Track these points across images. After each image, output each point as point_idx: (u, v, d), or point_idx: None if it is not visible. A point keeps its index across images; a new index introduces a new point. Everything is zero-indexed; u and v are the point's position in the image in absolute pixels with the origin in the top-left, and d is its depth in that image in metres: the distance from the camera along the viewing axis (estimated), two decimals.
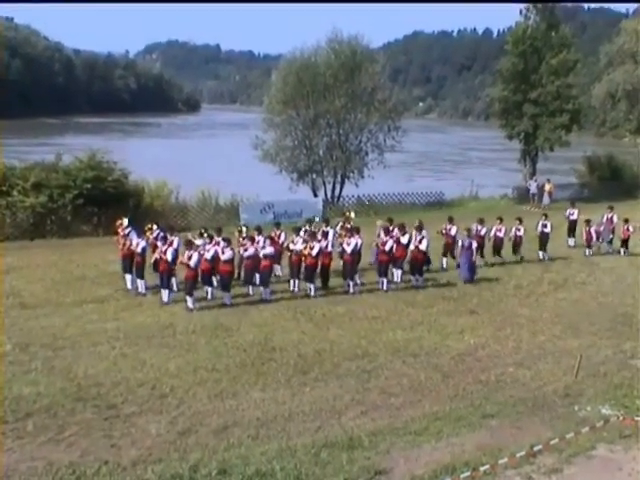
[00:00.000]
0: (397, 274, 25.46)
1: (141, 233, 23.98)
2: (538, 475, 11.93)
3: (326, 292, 24.10)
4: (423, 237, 25.23)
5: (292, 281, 24.35)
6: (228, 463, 11.96)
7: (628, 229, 31.59)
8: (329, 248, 24.33)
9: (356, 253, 24.55)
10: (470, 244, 25.81)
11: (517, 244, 29.66)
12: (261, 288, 23.16)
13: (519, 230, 29.47)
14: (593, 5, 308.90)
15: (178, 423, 13.62)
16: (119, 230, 24.40)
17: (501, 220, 29.19)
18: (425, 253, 25.67)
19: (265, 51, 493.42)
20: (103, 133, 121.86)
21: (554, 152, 56.00)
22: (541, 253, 30.49)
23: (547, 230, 30.38)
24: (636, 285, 25.81)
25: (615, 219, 32.82)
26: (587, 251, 31.88)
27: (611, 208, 33.56)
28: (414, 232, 25.36)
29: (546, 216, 30.96)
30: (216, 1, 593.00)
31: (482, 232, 28.04)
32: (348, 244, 24.31)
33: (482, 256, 28.32)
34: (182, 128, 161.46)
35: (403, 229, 25.48)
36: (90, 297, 22.56)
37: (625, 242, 32.02)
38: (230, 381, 15.82)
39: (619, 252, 32.10)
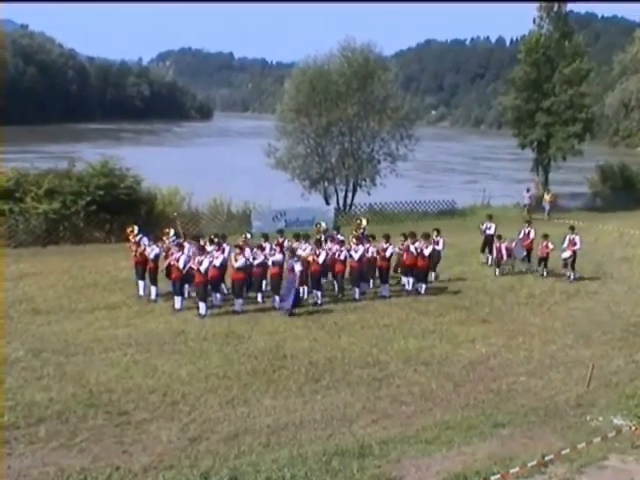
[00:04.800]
0: (408, 282, 25.52)
1: (153, 239, 24.08)
2: None
3: (337, 300, 24.13)
4: (429, 246, 25.17)
5: (301, 288, 24.40)
6: (239, 470, 11.98)
7: (547, 246, 28.19)
8: (342, 256, 24.39)
9: (364, 261, 24.60)
10: (293, 267, 22.59)
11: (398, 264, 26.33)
12: (276, 297, 23.19)
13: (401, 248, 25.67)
14: (606, 14, 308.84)
15: (189, 430, 13.65)
16: (130, 237, 24.49)
17: (373, 238, 25.65)
18: (430, 261, 25.48)
19: (278, 59, 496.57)
20: (116, 140, 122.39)
21: (567, 162, 55.92)
22: (432, 274, 26.87)
23: (438, 248, 26.64)
24: None
25: (532, 235, 29.54)
26: (497, 270, 28.79)
27: (528, 222, 30.81)
28: (422, 240, 25.33)
29: (438, 232, 27.02)
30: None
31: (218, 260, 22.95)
32: (356, 251, 24.38)
33: (395, 271, 26.41)
34: (195, 135, 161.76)
35: (414, 237, 25.50)
36: (102, 303, 22.62)
37: (544, 260, 28.56)
38: (241, 388, 15.85)
39: (538, 271, 28.91)
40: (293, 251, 23.31)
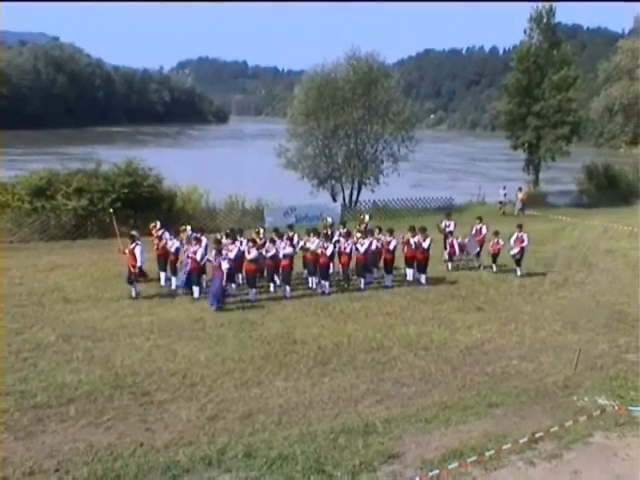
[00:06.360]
0: (409, 273, 25.50)
1: (173, 234, 24.12)
2: (539, 460, 11.91)
3: (343, 289, 24.11)
4: (427, 238, 25.10)
5: (310, 279, 24.39)
6: (253, 447, 11.99)
7: (498, 242, 27.16)
8: (348, 249, 24.33)
9: (369, 253, 24.57)
10: (220, 264, 20.98)
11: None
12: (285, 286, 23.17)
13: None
14: (592, 25, 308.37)
15: (207, 409, 13.65)
16: (153, 232, 24.53)
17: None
18: (428, 253, 25.38)
19: (289, 67, 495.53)
20: (139, 142, 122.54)
21: (556, 162, 55.99)
22: (375, 270, 25.82)
23: (378, 244, 25.01)
24: (631, 285, 25.64)
25: (484, 231, 28.48)
26: (449, 265, 27.93)
27: (480, 219, 29.21)
28: (420, 234, 25.20)
29: (380, 230, 26.01)
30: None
31: (232, 252, 22.30)
32: (362, 244, 24.35)
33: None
34: (212, 137, 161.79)
35: (413, 231, 25.44)
36: (127, 293, 22.55)
37: (495, 256, 27.41)
38: (255, 371, 15.84)
39: (490, 267, 27.69)
40: (220, 249, 21.60)
